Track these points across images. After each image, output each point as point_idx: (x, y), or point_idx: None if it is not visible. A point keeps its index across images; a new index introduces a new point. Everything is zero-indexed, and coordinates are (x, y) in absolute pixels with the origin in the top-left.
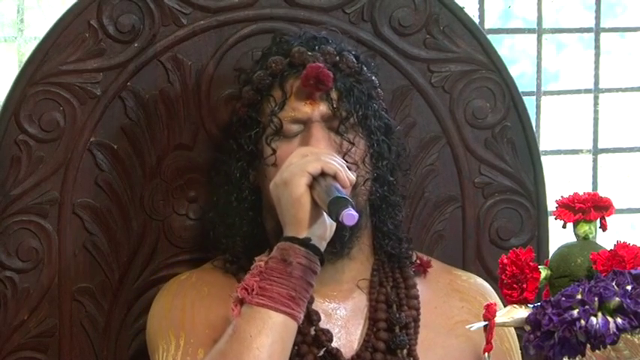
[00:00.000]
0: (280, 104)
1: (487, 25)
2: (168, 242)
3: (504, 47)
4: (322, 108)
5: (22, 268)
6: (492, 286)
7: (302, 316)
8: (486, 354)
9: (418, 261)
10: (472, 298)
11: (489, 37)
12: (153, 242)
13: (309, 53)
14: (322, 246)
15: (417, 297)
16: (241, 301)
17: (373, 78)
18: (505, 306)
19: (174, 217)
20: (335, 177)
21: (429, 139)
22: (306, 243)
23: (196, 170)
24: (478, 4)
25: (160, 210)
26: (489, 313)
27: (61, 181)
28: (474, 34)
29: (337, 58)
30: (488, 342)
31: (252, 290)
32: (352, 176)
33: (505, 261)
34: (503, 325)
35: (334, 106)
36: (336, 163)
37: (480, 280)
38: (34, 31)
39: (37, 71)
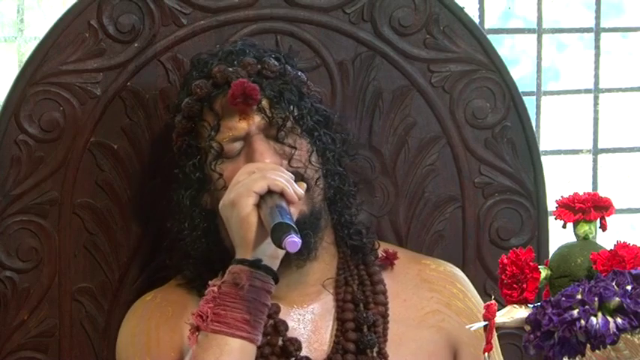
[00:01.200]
0: (215, 128)
1: (487, 25)
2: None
3: (504, 47)
4: (257, 119)
5: (22, 268)
6: (492, 287)
7: (259, 337)
8: (486, 354)
9: (384, 254)
10: (442, 287)
11: (489, 37)
12: (153, 242)
13: (230, 69)
14: (275, 265)
15: (384, 292)
16: (197, 328)
17: (299, 74)
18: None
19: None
20: (282, 194)
21: (429, 139)
22: (256, 264)
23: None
24: (478, 4)
25: (160, 210)
26: (489, 313)
27: (61, 181)
28: (474, 34)
29: (259, 66)
30: (488, 342)
31: (207, 317)
32: (300, 190)
33: (505, 261)
34: (504, 325)
35: (268, 115)
36: (282, 180)
37: (450, 267)
38: (34, 31)
39: (37, 71)
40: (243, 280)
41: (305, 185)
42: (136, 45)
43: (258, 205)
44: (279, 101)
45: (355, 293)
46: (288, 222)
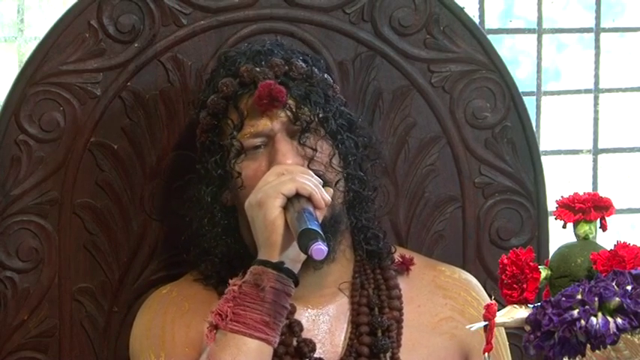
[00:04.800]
0: (238, 126)
1: (487, 25)
2: (168, 242)
3: (504, 47)
4: (282, 118)
5: (22, 268)
6: (492, 287)
7: (277, 339)
8: (486, 354)
9: (400, 259)
10: (456, 294)
11: (489, 37)
12: (153, 242)
13: (257, 69)
14: (296, 268)
15: (399, 297)
16: (216, 327)
17: (326, 77)
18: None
19: (174, 217)
20: (310, 198)
21: (429, 139)
22: (279, 267)
23: (196, 170)
24: (478, 4)
25: (160, 210)
26: (489, 313)
27: (61, 181)
28: (474, 34)
29: (286, 67)
30: (489, 342)
31: (226, 316)
32: (327, 197)
33: (505, 261)
34: (503, 325)
35: (293, 114)
36: (310, 184)
37: (465, 275)
38: (34, 31)
39: (37, 71)
40: (264, 282)
41: (332, 191)
42: (136, 45)
43: (284, 208)
44: (305, 102)
45: (371, 297)
46: (316, 228)
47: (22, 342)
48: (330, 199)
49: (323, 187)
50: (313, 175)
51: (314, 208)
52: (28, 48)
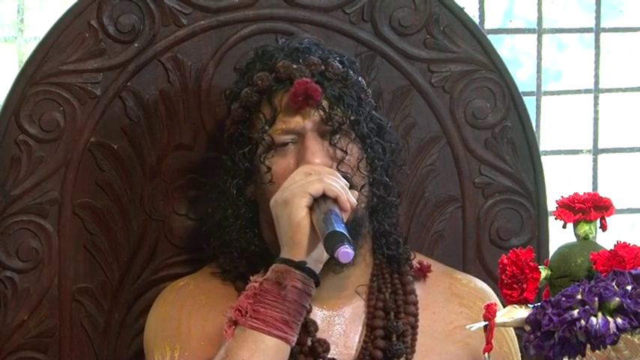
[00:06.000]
0: (270, 121)
1: (487, 26)
2: (168, 242)
3: (504, 47)
4: (314, 117)
5: (22, 268)
6: (492, 287)
7: (295, 338)
8: (486, 354)
9: (418, 265)
10: (472, 303)
11: (489, 37)
12: (153, 242)
13: (294, 66)
14: (318, 268)
15: (415, 303)
16: (235, 322)
17: (360, 79)
18: (505, 306)
19: (174, 217)
20: (336, 200)
21: (429, 139)
22: (301, 267)
23: (196, 170)
24: (478, 5)
25: (160, 210)
26: (489, 313)
27: (61, 181)
28: (474, 34)
29: (323, 67)
30: (489, 342)
31: (246, 312)
32: (353, 200)
33: (505, 261)
34: (504, 325)
35: (326, 115)
36: (337, 186)
37: (481, 284)
38: (34, 31)
39: (37, 71)
40: (286, 280)
41: (357, 194)
42: (136, 45)
43: (310, 208)
44: (338, 103)
45: (387, 301)
46: (343, 231)
47: (22, 342)
48: (355, 202)
49: (349, 189)
50: (340, 176)
51: (339, 209)
52: (28, 48)
